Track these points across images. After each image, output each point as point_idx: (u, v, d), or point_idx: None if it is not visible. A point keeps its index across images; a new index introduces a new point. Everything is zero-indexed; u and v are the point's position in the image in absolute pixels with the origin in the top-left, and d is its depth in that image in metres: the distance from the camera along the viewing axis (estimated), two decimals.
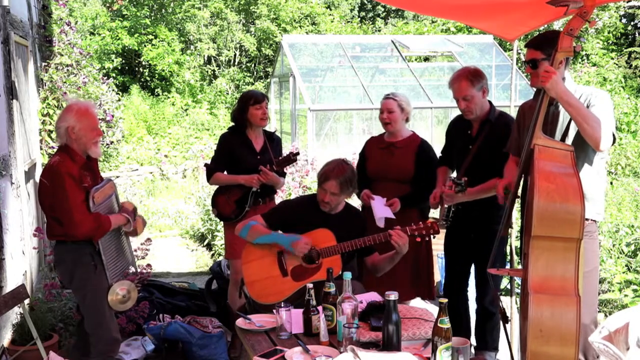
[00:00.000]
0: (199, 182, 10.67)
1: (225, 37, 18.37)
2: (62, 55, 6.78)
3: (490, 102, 3.92)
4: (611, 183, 9.36)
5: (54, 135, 6.35)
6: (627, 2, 14.54)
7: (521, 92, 10.25)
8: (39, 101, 6.41)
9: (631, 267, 5.38)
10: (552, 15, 3.62)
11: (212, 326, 4.32)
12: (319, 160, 8.02)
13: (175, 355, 4.36)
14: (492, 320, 3.99)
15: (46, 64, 6.66)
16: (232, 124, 4.51)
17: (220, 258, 6.40)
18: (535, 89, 3.26)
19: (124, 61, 17.07)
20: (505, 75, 11.68)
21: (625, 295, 4.96)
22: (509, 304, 4.15)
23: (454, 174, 4.09)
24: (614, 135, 2.97)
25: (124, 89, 16.21)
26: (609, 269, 5.25)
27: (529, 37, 4.11)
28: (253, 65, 18.90)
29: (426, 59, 14.41)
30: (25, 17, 5.93)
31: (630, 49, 15.72)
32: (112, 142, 10.84)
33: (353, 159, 6.11)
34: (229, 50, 18.48)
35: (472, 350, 4.08)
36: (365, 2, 21.85)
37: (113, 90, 11.45)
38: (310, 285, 2.91)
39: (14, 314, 4.35)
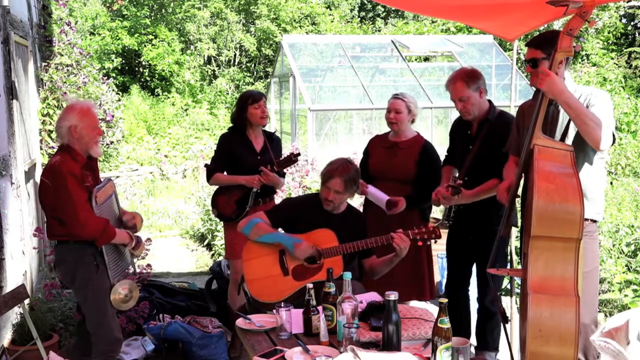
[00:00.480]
0: (199, 182, 10.67)
1: (225, 37, 18.37)
2: (62, 55, 6.78)
3: (490, 101, 3.92)
4: (611, 183, 9.35)
5: (54, 135, 6.34)
6: (627, 2, 14.54)
7: (521, 92, 10.25)
8: (39, 101, 6.41)
9: (631, 267, 5.38)
10: (552, 15, 3.62)
11: (212, 326, 4.32)
12: (319, 160, 8.02)
13: (175, 355, 4.36)
14: (493, 320, 3.99)
15: (46, 64, 6.66)
16: (232, 124, 4.52)
17: (220, 258, 6.40)
18: (535, 89, 3.27)
19: (124, 61, 17.07)
20: (505, 75, 11.68)
21: (625, 295, 4.96)
22: (509, 304, 4.16)
23: (456, 174, 4.11)
24: (613, 135, 2.97)
25: (124, 89, 16.21)
26: (609, 269, 5.25)
27: (529, 37, 4.11)
28: (253, 65, 18.90)
29: (426, 59, 14.41)
30: (25, 17, 5.93)
31: (630, 49, 15.72)
32: (112, 142, 10.83)
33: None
34: (229, 50, 18.48)
35: (472, 350, 4.08)
36: (365, 2, 21.85)
37: (113, 90, 11.44)
38: (310, 285, 2.91)
39: (14, 314, 4.35)
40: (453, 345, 2.40)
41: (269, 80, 14.50)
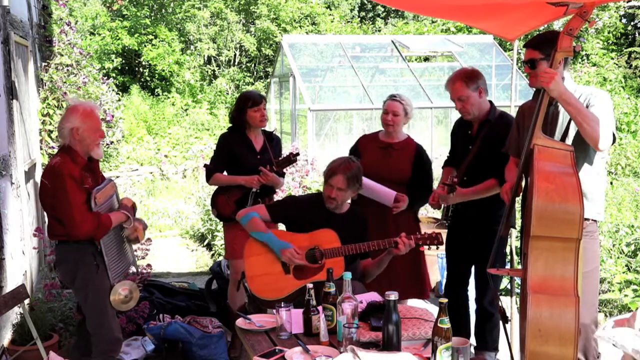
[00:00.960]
0: (199, 182, 10.68)
1: (225, 37, 18.37)
2: (62, 55, 6.77)
3: (491, 102, 3.93)
4: (611, 183, 9.35)
5: (54, 135, 6.35)
6: (627, 2, 14.54)
7: (521, 92, 10.25)
8: (39, 101, 6.41)
9: (631, 267, 5.38)
10: (552, 15, 3.62)
11: (212, 326, 4.33)
12: (319, 160, 8.01)
13: (175, 355, 4.36)
14: (492, 321, 4.00)
15: (46, 64, 6.66)
16: (231, 124, 4.52)
17: (220, 258, 6.40)
18: (534, 89, 3.27)
19: (124, 61, 17.07)
20: (505, 75, 11.68)
21: (625, 295, 4.96)
22: (509, 304, 4.16)
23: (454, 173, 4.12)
24: (613, 134, 2.97)
25: (124, 89, 16.21)
26: (609, 269, 5.25)
27: (529, 37, 4.11)
28: (253, 65, 18.90)
29: (426, 59, 14.40)
30: (25, 17, 5.93)
31: (630, 49, 15.72)
32: (112, 142, 10.84)
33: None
34: (229, 50, 18.48)
35: (472, 350, 4.08)
36: (365, 2, 21.85)
37: (113, 90, 11.44)
38: (310, 285, 2.91)
39: (14, 314, 4.35)
40: (453, 345, 2.40)
41: (269, 80, 14.51)
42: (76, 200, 3.29)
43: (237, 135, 4.40)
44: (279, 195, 5.10)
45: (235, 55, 18.71)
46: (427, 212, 6.80)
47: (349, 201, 3.74)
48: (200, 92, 16.93)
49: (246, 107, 4.32)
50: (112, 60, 16.05)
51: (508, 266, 4.27)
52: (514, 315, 4.11)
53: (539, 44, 3.13)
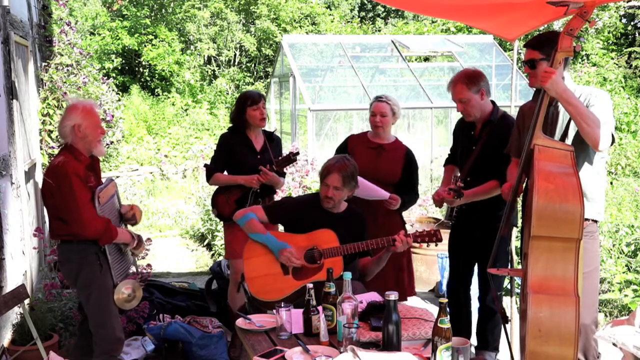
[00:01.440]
0: (199, 182, 10.67)
1: (225, 37, 18.37)
2: (62, 55, 6.77)
3: (493, 102, 3.94)
4: (611, 183, 9.35)
5: (54, 135, 6.35)
6: (627, 2, 14.53)
7: (521, 92, 10.24)
8: (39, 101, 6.41)
9: (631, 267, 5.38)
10: (552, 15, 3.62)
11: (212, 326, 4.33)
12: (319, 160, 8.01)
13: (175, 355, 4.36)
14: (494, 320, 4.00)
15: (46, 64, 6.66)
16: (231, 124, 4.52)
17: (220, 258, 6.40)
18: (534, 90, 3.27)
19: (124, 61, 17.07)
20: (505, 75, 11.67)
21: (625, 295, 4.96)
22: (509, 304, 4.16)
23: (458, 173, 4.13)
24: (612, 135, 2.97)
25: (124, 89, 16.21)
26: (609, 269, 5.25)
27: (529, 37, 4.11)
28: (253, 65, 18.90)
29: (426, 59, 14.40)
30: (25, 17, 5.93)
31: (630, 49, 15.71)
32: (112, 142, 10.84)
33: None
34: (229, 50, 18.47)
35: (472, 350, 4.08)
36: (365, 2, 21.85)
37: (113, 90, 11.44)
38: (310, 285, 2.91)
39: (14, 314, 4.35)
40: (453, 345, 2.40)
41: (269, 80, 14.50)
42: (82, 198, 3.30)
43: (238, 135, 4.41)
44: (279, 195, 5.10)
45: (235, 55, 18.70)
46: (427, 212, 6.80)
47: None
48: (200, 92, 16.93)
49: (245, 106, 4.33)
50: (112, 60, 16.05)
51: (509, 266, 4.27)
52: (514, 315, 4.11)
53: (539, 44, 3.13)
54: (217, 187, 4.51)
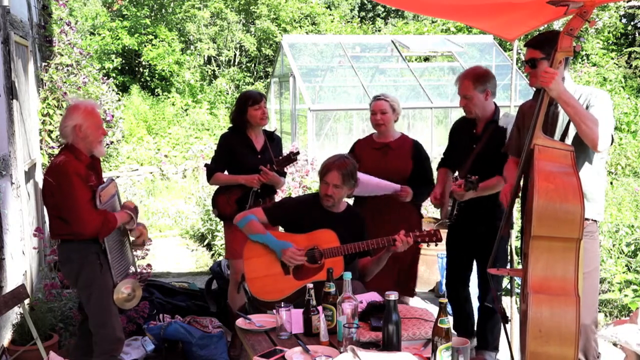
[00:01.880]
0: (199, 182, 10.67)
1: (225, 37, 18.37)
2: (62, 55, 6.77)
3: (495, 104, 3.99)
4: (611, 183, 9.35)
5: (54, 135, 6.35)
6: (627, 2, 14.53)
7: (521, 92, 10.25)
8: (39, 101, 6.41)
9: (631, 267, 5.38)
10: (552, 15, 3.62)
11: (212, 326, 4.33)
12: (319, 160, 8.01)
13: (175, 355, 4.36)
14: (493, 319, 4.00)
15: (46, 64, 6.66)
16: (232, 124, 4.52)
17: (220, 258, 6.40)
18: (535, 89, 3.27)
19: (124, 61, 17.07)
20: (505, 75, 11.68)
21: (626, 295, 4.96)
22: (509, 304, 4.16)
23: (455, 174, 4.13)
24: (612, 136, 2.97)
25: (124, 89, 16.20)
26: (609, 269, 5.25)
27: (529, 37, 4.11)
28: (253, 65, 18.90)
29: (426, 59, 14.40)
30: (25, 17, 5.93)
31: (630, 49, 15.71)
32: (112, 142, 10.84)
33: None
34: (229, 50, 18.47)
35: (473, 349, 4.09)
36: (365, 2, 21.85)
37: (113, 90, 11.44)
38: (310, 285, 2.91)
39: (14, 314, 4.35)
40: (453, 345, 2.40)
41: (269, 80, 14.50)
42: (82, 198, 3.31)
43: (238, 135, 4.41)
44: (279, 195, 5.10)
45: (235, 55, 18.70)
46: (427, 212, 6.79)
47: (351, 201, 3.74)
48: (200, 92, 16.93)
49: (246, 105, 4.33)
50: (112, 60, 16.05)
51: (509, 266, 4.28)
52: (514, 315, 4.11)
53: (540, 44, 3.13)
54: (217, 187, 4.51)
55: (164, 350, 4.34)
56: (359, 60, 11.97)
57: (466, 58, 11.63)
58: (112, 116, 9.93)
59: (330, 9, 20.38)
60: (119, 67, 16.65)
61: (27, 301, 3.80)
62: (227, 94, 17.38)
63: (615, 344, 4.55)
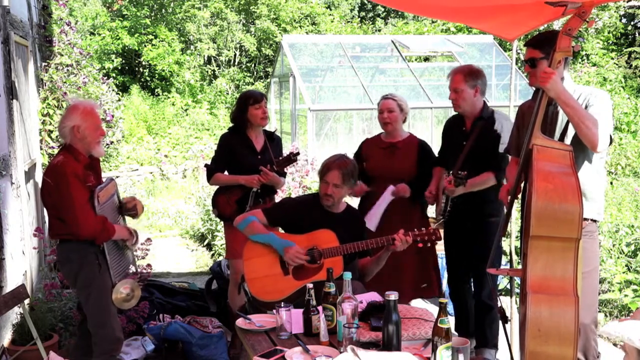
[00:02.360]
0: (199, 182, 10.68)
1: (225, 37, 18.37)
2: (62, 55, 6.77)
3: (485, 101, 4.04)
4: (611, 183, 9.35)
5: (54, 135, 6.35)
6: (627, 2, 14.53)
7: (521, 92, 10.24)
8: (39, 101, 6.41)
9: (631, 267, 5.38)
10: (551, 16, 3.62)
11: (212, 326, 4.33)
12: (319, 160, 8.01)
13: (175, 355, 4.36)
14: (491, 314, 4.02)
15: (46, 64, 6.66)
16: (232, 124, 4.52)
17: (221, 258, 6.40)
18: (534, 89, 3.27)
19: (124, 61, 17.07)
20: (505, 75, 11.68)
21: (626, 295, 4.96)
22: (509, 304, 4.16)
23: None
24: (611, 136, 2.98)
25: (124, 89, 16.20)
26: (609, 269, 5.25)
27: (529, 37, 4.11)
28: (253, 65, 18.90)
29: (426, 59, 14.40)
30: (25, 17, 5.93)
31: (630, 49, 15.71)
32: (112, 142, 10.84)
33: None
34: (229, 50, 18.47)
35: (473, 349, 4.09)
36: (365, 2, 21.84)
37: (113, 90, 11.44)
38: (310, 285, 2.91)
39: (14, 314, 4.36)
40: (453, 345, 2.41)
41: (269, 80, 14.50)
42: (79, 199, 3.31)
43: (238, 135, 4.41)
44: (279, 195, 5.11)
45: (235, 55, 18.70)
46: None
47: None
48: (200, 92, 16.93)
49: (248, 104, 4.33)
50: (112, 60, 16.05)
51: (507, 266, 4.28)
52: (514, 315, 4.11)
53: (540, 43, 3.13)
54: (217, 187, 4.51)
55: (164, 350, 4.34)
56: (359, 60, 11.97)
57: (466, 58, 11.63)
58: (112, 116, 9.93)
59: (330, 9, 20.37)
60: (119, 67, 16.64)
61: (27, 301, 3.80)
62: (227, 94, 17.38)
63: (615, 344, 4.55)
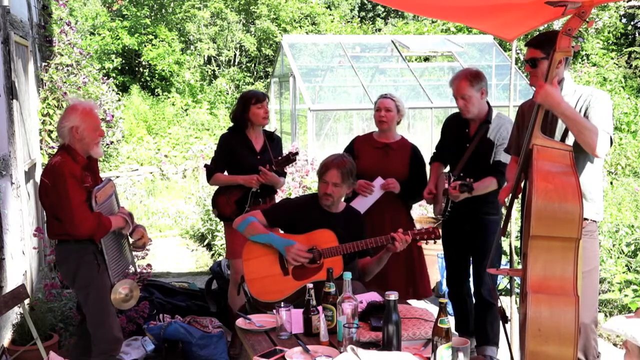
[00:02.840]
0: (199, 182, 10.68)
1: (225, 37, 18.37)
2: (62, 55, 6.77)
3: (488, 103, 4.02)
4: (611, 183, 9.35)
5: (54, 135, 6.35)
6: (627, 2, 14.53)
7: (521, 92, 10.25)
8: (39, 101, 6.41)
9: (631, 267, 5.38)
10: (550, 16, 3.62)
11: (212, 326, 4.33)
12: (319, 160, 7.97)
13: (175, 355, 4.36)
14: (492, 312, 4.02)
15: (46, 64, 6.66)
16: (232, 124, 4.52)
17: (221, 258, 6.40)
18: (534, 88, 3.27)
19: (124, 61, 17.07)
20: (505, 75, 11.67)
21: (626, 295, 4.96)
22: (509, 304, 4.16)
23: (447, 170, 4.17)
24: (611, 138, 2.98)
25: (124, 89, 16.20)
26: (609, 269, 5.25)
27: (529, 37, 4.12)
28: (253, 65, 18.90)
29: (426, 59, 14.39)
30: (25, 17, 5.93)
31: (630, 49, 15.71)
32: (112, 142, 10.83)
33: None
34: (229, 50, 18.47)
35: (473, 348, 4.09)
36: (365, 2, 21.84)
37: (113, 90, 11.44)
38: (310, 285, 2.91)
39: (14, 314, 4.36)
40: (453, 345, 2.41)
41: (269, 80, 14.50)
42: (76, 199, 3.30)
43: (238, 135, 4.41)
44: (279, 196, 5.11)
45: (235, 55, 18.70)
46: (427, 212, 6.79)
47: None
48: (200, 92, 16.93)
49: (250, 104, 4.33)
50: (112, 60, 16.05)
51: (507, 266, 4.28)
52: (514, 315, 4.11)
53: (541, 43, 3.13)
54: (217, 187, 4.51)
55: (164, 350, 4.34)
56: (359, 60, 11.96)
57: (466, 58, 11.63)
58: (112, 116, 9.93)
59: (330, 9, 20.37)
60: (119, 67, 16.64)
61: (27, 301, 3.81)
62: (227, 94, 17.38)
63: (615, 344, 4.55)
